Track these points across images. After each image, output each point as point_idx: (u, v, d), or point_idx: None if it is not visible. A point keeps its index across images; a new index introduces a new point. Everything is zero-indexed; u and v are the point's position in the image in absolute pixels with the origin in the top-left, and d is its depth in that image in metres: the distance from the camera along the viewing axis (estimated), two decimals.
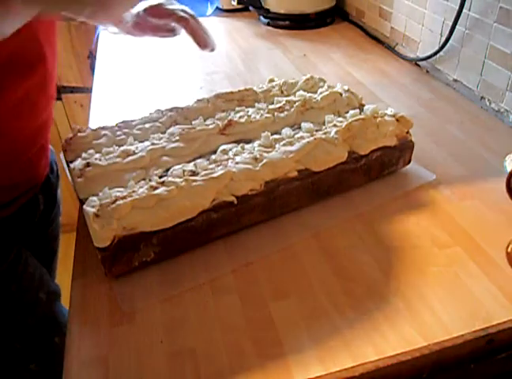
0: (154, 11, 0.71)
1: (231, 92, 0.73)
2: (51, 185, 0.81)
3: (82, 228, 0.60)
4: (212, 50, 0.71)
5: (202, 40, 0.70)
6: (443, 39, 0.91)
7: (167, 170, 0.59)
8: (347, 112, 0.68)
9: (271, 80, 0.78)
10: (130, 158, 0.58)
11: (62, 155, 0.62)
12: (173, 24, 0.71)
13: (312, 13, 1.26)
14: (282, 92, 0.75)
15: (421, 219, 0.60)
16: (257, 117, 0.66)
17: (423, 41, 1.00)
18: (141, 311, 0.49)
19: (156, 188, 0.53)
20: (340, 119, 0.65)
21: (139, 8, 0.71)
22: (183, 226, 0.53)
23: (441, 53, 0.93)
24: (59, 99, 1.77)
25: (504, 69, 0.78)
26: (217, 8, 1.41)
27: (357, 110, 0.67)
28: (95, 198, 0.52)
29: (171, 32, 0.72)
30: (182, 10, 0.70)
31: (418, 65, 1.03)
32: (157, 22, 0.71)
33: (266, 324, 0.47)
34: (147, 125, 0.66)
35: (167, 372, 0.44)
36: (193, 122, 0.66)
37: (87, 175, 0.56)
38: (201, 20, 0.71)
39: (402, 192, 0.64)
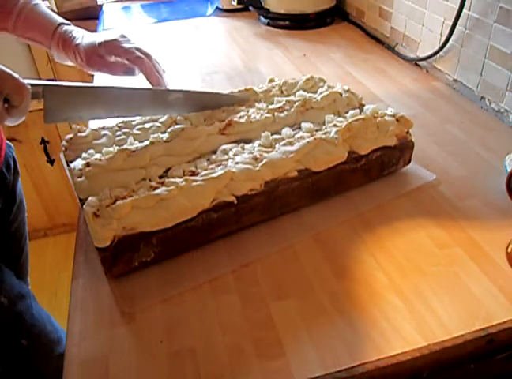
0: (109, 47, 0.70)
1: (231, 92, 0.73)
2: (8, 182, 0.80)
3: (82, 228, 0.61)
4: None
5: (155, 81, 0.69)
6: (443, 39, 0.91)
7: (167, 170, 0.59)
8: (347, 112, 0.68)
9: (271, 80, 0.78)
10: (130, 158, 0.58)
11: (61, 155, 0.63)
12: (128, 63, 0.70)
13: (312, 13, 1.26)
14: (282, 92, 0.75)
15: (421, 219, 0.60)
16: (257, 117, 0.66)
17: (423, 41, 1.00)
18: (141, 311, 0.49)
19: (156, 188, 0.53)
20: (340, 119, 0.65)
21: (94, 40, 0.71)
22: (183, 226, 0.53)
23: (441, 53, 0.93)
24: None
25: (504, 69, 0.78)
26: (217, 8, 1.41)
27: (357, 110, 0.67)
28: (95, 198, 0.52)
29: (128, 72, 0.71)
30: (138, 49, 0.70)
31: (418, 65, 1.03)
32: (112, 60, 0.71)
33: (266, 324, 0.47)
34: (147, 125, 0.66)
35: (167, 372, 0.44)
36: (193, 122, 0.66)
37: (87, 175, 0.56)
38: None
39: (402, 192, 0.64)
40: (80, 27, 0.76)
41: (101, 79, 1.02)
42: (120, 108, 0.63)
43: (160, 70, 0.70)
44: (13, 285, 0.77)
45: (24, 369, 0.76)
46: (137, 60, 0.69)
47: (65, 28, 0.75)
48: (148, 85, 0.69)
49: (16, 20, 0.74)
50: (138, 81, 0.70)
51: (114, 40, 0.70)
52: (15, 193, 0.83)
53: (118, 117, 0.65)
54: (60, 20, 0.76)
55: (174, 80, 0.80)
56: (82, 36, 0.73)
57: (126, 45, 0.70)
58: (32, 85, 0.53)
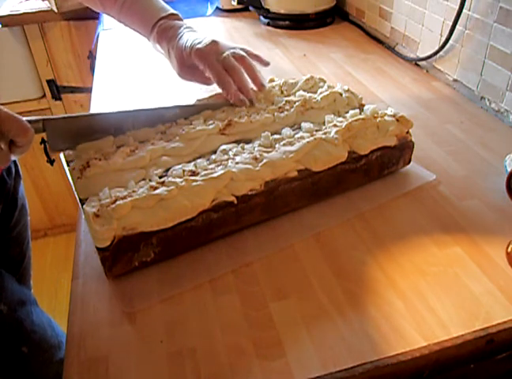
0: (196, 57, 0.70)
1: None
2: (9, 186, 0.79)
3: (82, 228, 0.61)
4: (251, 102, 0.69)
5: (234, 100, 0.68)
6: (443, 39, 0.91)
7: (167, 170, 0.59)
8: (347, 112, 0.68)
9: (271, 80, 0.77)
10: (130, 158, 0.58)
11: (61, 156, 0.63)
12: (210, 78, 0.70)
13: (312, 13, 1.26)
14: (282, 92, 0.74)
15: (421, 219, 0.60)
16: (257, 117, 0.66)
17: (423, 41, 1.00)
18: (141, 311, 0.49)
19: (156, 188, 0.53)
20: (340, 119, 0.65)
21: (184, 45, 0.70)
22: (183, 226, 0.53)
23: (441, 53, 0.93)
24: (59, 99, 1.77)
25: (504, 69, 0.78)
26: (217, 8, 1.41)
27: (357, 110, 0.67)
28: (95, 198, 0.52)
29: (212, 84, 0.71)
30: (224, 60, 0.68)
31: (418, 65, 1.03)
32: (200, 69, 0.71)
33: (266, 324, 0.47)
34: None
35: (167, 372, 0.44)
36: (193, 122, 0.66)
37: (87, 175, 0.56)
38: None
39: (402, 192, 0.64)
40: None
41: (101, 79, 1.02)
42: (119, 130, 0.63)
43: (245, 80, 0.69)
44: (14, 291, 0.76)
45: (24, 376, 0.76)
46: (215, 77, 0.69)
47: (164, 25, 0.73)
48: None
49: (121, 8, 0.73)
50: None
51: (201, 51, 0.70)
52: (16, 198, 0.82)
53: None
54: (162, 13, 0.74)
55: (174, 80, 0.80)
56: (178, 36, 0.72)
57: (211, 57, 0.69)
58: (32, 121, 0.54)
